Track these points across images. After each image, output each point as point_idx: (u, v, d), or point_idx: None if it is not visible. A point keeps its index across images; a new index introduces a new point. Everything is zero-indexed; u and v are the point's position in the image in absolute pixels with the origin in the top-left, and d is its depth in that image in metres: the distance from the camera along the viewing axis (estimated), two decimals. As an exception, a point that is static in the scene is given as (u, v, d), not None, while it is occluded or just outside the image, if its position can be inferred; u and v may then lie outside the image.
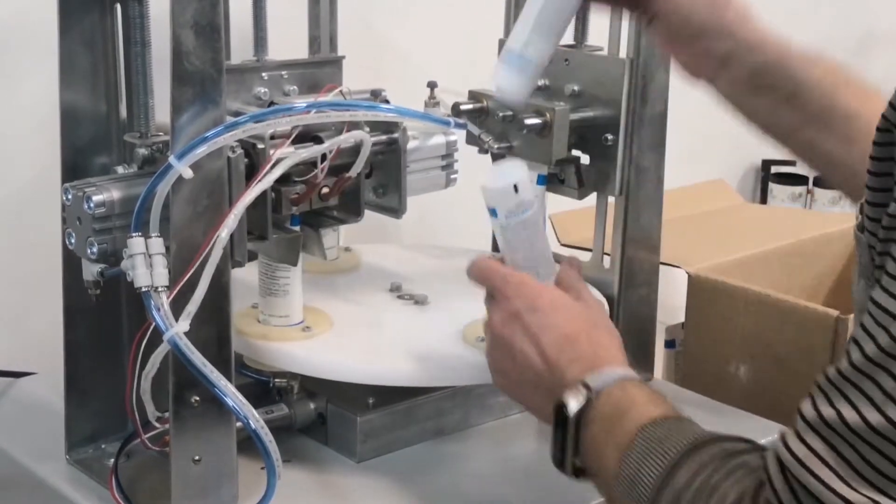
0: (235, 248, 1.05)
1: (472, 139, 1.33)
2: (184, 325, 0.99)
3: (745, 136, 2.13)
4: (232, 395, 0.99)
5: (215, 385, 0.99)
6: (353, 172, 1.11)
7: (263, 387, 1.23)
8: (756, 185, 2.30)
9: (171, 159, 0.98)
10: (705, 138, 1.94)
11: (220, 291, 1.04)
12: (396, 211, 1.20)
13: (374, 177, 1.22)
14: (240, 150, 1.04)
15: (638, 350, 1.37)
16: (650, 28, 1.10)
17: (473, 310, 1.26)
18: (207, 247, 1.00)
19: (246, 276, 1.19)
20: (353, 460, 1.19)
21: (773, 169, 2.24)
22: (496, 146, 1.32)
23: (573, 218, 1.56)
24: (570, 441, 0.96)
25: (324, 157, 1.11)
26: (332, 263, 1.38)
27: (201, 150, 0.99)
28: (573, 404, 0.95)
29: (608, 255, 1.36)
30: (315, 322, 1.20)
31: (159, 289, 0.99)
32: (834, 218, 1.80)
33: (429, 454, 1.21)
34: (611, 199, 1.34)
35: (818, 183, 2.16)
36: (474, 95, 1.31)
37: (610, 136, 1.30)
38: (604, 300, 1.17)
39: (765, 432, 1.27)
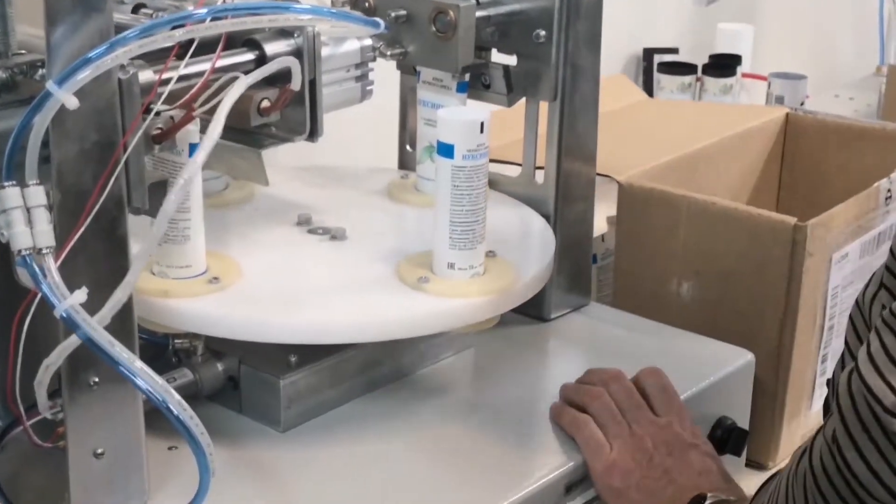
0: (133, 189, 0.85)
1: (369, 43, 1.14)
2: (80, 295, 0.78)
3: (620, 22, 1.99)
4: (147, 377, 0.80)
5: (125, 367, 0.79)
6: (294, 86, 0.92)
7: (158, 349, 1.04)
8: (639, 76, 2.16)
9: (50, 85, 0.77)
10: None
11: (117, 247, 0.84)
12: (313, 133, 1.00)
13: (278, 92, 1.02)
14: (133, 70, 0.83)
15: (575, 273, 1.23)
16: None
17: (399, 243, 1.09)
18: (99, 195, 0.79)
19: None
20: (276, 429, 1.01)
21: (657, 58, 2.11)
22: (388, 52, 1.13)
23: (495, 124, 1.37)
24: None
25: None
26: (219, 195, 1.18)
27: (87, 73, 0.78)
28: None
29: (540, 168, 1.20)
30: (222, 271, 1.00)
31: (44, 250, 0.79)
32: (752, 111, 1.67)
33: (361, 413, 1.04)
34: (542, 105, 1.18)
35: (707, 71, 2.03)
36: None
37: (542, 32, 1.13)
38: None
39: (709, 351, 1.17)
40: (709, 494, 0.96)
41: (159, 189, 0.88)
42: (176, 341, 1.02)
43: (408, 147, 1.29)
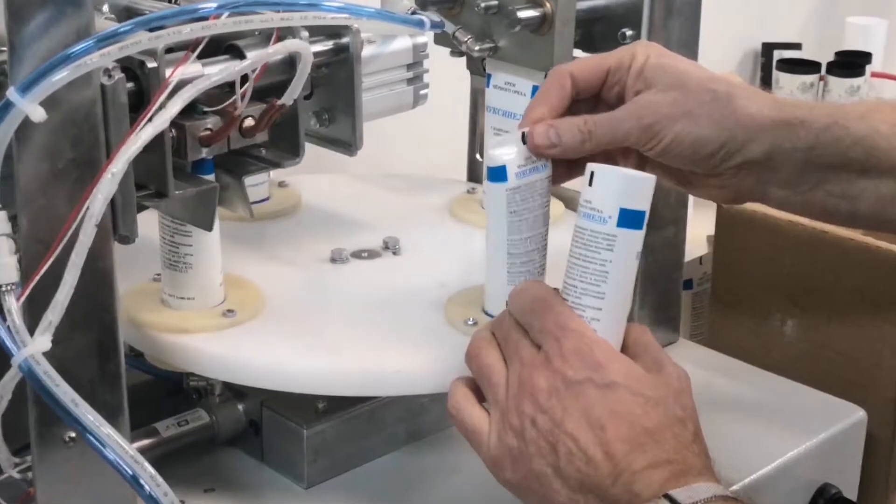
0: (120, 217, 0.72)
1: (442, 38, 1.00)
2: (43, 341, 0.66)
3: (736, 12, 1.80)
4: (113, 443, 0.67)
5: (90, 432, 0.66)
6: (286, 99, 0.78)
7: (174, 385, 0.92)
8: (756, 74, 1.98)
9: (12, 93, 0.64)
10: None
11: (99, 283, 0.72)
12: (349, 145, 0.87)
13: (315, 98, 0.88)
14: (119, 75, 0.70)
15: (661, 306, 1.07)
16: (660, 172, 0.81)
17: (452, 273, 0.95)
18: (75, 221, 0.67)
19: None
20: (300, 485, 0.88)
21: (777, 54, 1.92)
22: (476, 47, 0.99)
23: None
24: None
25: (245, 77, 0.77)
26: (265, 206, 1.05)
27: (59, 77, 0.65)
28: None
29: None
30: (240, 301, 0.87)
31: (4, 287, 0.67)
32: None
33: (401, 468, 0.91)
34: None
35: (833, 69, 1.84)
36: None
37: (629, 32, 0.99)
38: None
39: (812, 405, 1.01)
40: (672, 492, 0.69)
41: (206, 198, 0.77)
42: (191, 379, 0.89)
43: (478, 156, 1.15)
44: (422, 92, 0.94)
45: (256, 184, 1.04)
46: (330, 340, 0.86)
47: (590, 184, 0.73)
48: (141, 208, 0.85)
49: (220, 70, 0.73)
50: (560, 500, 0.72)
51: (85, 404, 0.67)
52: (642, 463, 0.70)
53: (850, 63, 1.88)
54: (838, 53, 1.93)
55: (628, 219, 0.72)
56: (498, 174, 0.78)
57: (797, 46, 1.96)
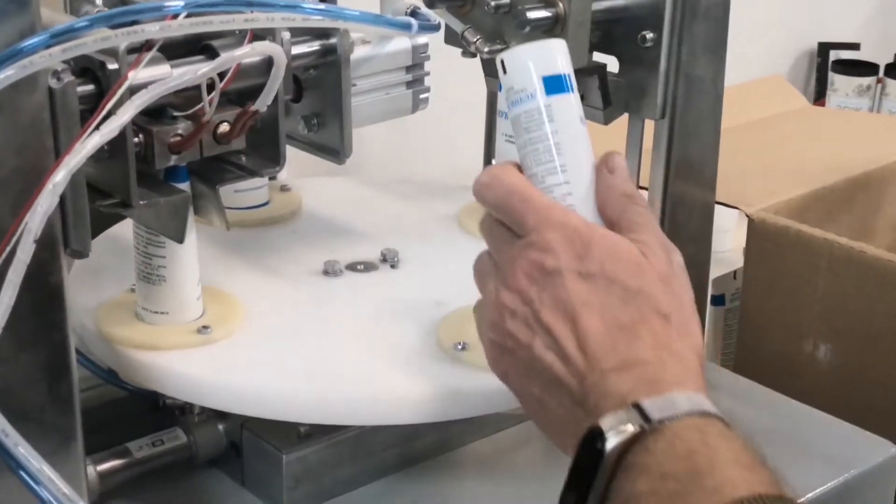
0: (71, 231, 0.67)
1: (453, 37, 0.94)
2: (-26, 366, 0.61)
3: (789, 10, 1.70)
4: (46, 479, 0.62)
5: (24, 468, 0.61)
6: (259, 105, 0.72)
7: (153, 401, 0.87)
8: (811, 76, 1.89)
9: (-56, 98, 0.60)
10: (742, 16, 1.51)
11: (48, 300, 0.67)
12: (337, 153, 0.81)
13: (305, 102, 0.83)
14: (69, 77, 0.65)
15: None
16: None
17: (450, 290, 0.89)
18: (14, 235, 0.62)
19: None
20: (279, 513, 0.83)
21: (833, 54, 1.84)
22: (486, 49, 0.93)
23: (596, 135, 1.15)
24: (596, 489, 0.60)
25: (221, 76, 0.72)
26: (261, 211, 1.00)
27: (3, 77, 0.60)
28: (613, 436, 0.60)
29: (644, 188, 0.98)
30: (218, 317, 0.82)
31: (-64, 305, 0.62)
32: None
33: (390, 497, 0.85)
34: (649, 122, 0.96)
35: (892, 72, 1.75)
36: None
37: (649, 35, 0.91)
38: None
39: (842, 439, 0.94)
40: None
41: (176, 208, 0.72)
42: (167, 397, 0.84)
43: (493, 162, 1.08)
44: (422, 96, 0.88)
45: (255, 188, 0.99)
46: (307, 362, 0.80)
47: (504, 72, 0.69)
48: (117, 217, 0.81)
49: (180, 73, 0.67)
50: (535, 392, 0.66)
51: (15, 434, 0.61)
52: (612, 362, 0.62)
53: (911, 66, 1.79)
54: (899, 55, 1.84)
55: (554, 85, 0.69)
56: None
57: (855, 47, 1.87)
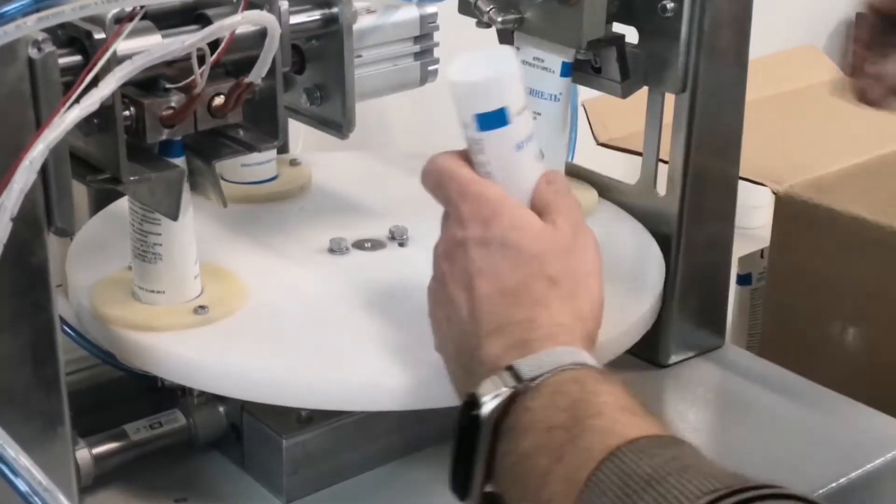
0: (55, 207, 0.65)
1: (466, 8, 0.91)
2: (-50, 349, 0.59)
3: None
4: (30, 478, 0.59)
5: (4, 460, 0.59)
6: (253, 77, 0.69)
7: (150, 384, 0.84)
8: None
9: (-84, 68, 0.57)
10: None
11: (31, 280, 0.64)
12: (340, 126, 0.78)
13: (308, 74, 0.80)
14: (50, 48, 0.62)
15: (704, 309, 0.97)
16: None
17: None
18: (-8, 212, 0.59)
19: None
20: (279, 498, 0.80)
21: (872, 24, 1.78)
22: (499, 18, 0.90)
23: (616, 107, 1.12)
24: (480, 456, 0.62)
25: (214, 45, 0.69)
26: (268, 186, 0.97)
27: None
28: (489, 400, 0.62)
29: (664, 162, 0.94)
30: (217, 297, 0.79)
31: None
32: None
33: (392, 482, 0.82)
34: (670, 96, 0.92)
35: (931, 44, 1.70)
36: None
37: (670, 4, 0.88)
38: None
39: (869, 427, 0.90)
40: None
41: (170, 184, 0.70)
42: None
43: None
44: (430, 68, 0.85)
45: (262, 162, 0.97)
46: (305, 345, 0.77)
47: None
48: (113, 194, 0.79)
49: (167, 43, 0.64)
50: (459, 373, 0.69)
51: (9, 441, 0.59)
52: (492, 325, 0.65)
53: (953, 37, 1.74)
54: (941, 26, 1.79)
55: (487, 121, 0.70)
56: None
57: None
